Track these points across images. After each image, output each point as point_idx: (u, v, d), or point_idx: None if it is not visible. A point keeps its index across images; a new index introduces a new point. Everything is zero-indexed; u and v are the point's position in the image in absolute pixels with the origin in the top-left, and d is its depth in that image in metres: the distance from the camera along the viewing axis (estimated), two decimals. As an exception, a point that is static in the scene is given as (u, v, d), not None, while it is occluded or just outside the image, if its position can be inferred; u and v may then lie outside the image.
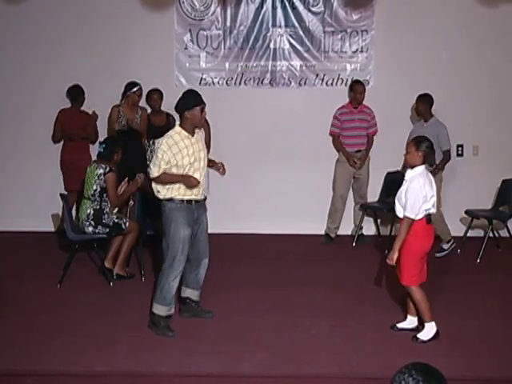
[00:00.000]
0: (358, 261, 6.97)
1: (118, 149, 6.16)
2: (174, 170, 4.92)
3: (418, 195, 4.72)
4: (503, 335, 5.03)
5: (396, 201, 4.90)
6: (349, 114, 7.53)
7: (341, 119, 7.55)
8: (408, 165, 4.91)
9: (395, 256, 4.78)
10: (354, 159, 7.52)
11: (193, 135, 4.95)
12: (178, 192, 4.94)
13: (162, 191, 4.96)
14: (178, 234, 4.90)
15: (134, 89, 7.18)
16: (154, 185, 5.02)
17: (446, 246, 7.05)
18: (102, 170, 6.02)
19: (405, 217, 4.76)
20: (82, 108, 7.58)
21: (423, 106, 7.06)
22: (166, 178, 4.92)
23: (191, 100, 4.92)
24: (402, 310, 5.27)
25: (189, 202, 4.96)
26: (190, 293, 5.23)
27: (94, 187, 6.04)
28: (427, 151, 4.83)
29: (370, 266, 6.71)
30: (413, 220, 4.74)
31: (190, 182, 4.90)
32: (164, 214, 4.99)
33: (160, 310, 5.01)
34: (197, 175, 4.95)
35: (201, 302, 5.31)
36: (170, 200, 4.95)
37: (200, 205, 5.08)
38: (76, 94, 7.48)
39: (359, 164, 7.50)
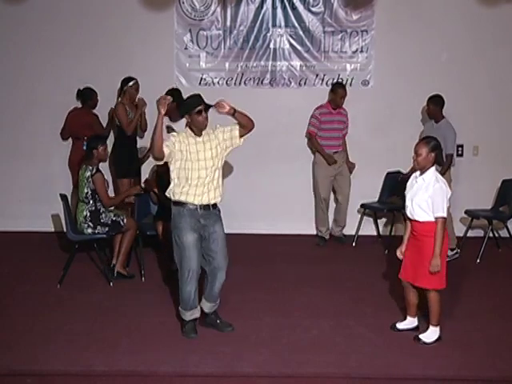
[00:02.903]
0: (357, 261, 6.97)
1: (96, 145, 6.06)
2: (178, 163, 4.85)
3: (446, 195, 4.70)
4: (503, 335, 5.03)
5: (414, 205, 4.77)
6: (329, 115, 7.47)
7: (320, 119, 7.48)
8: (420, 167, 4.79)
9: (439, 261, 4.70)
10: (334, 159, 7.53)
11: (199, 135, 4.92)
12: (185, 190, 4.86)
13: (171, 191, 4.93)
14: (181, 239, 4.87)
15: (131, 83, 7.09)
16: (169, 188, 4.98)
17: (449, 253, 6.95)
18: (89, 173, 6.02)
19: (439, 218, 4.67)
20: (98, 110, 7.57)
21: (434, 107, 6.98)
22: (156, 130, 4.71)
23: (187, 105, 4.93)
24: (402, 310, 5.27)
25: (193, 206, 4.89)
26: (203, 303, 5.14)
27: (85, 190, 6.04)
28: (438, 151, 4.79)
29: (369, 266, 6.73)
30: (445, 219, 4.70)
31: (159, 102, 4.70)
32: (171, 218, 4.99)
33: (183, 314, 5.02)
34: (202, 174, 4.88)
35: (220, 315, 5.20)
36: (176, 204, 4.91)
37: (209, 212, 4.96)
38: (85, 96, 7.43)
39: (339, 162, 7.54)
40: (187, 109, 4.90)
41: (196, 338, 4.94)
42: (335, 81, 7.71)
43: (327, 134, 7.47)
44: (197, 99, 4.92)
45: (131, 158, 7.24)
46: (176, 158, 4.86)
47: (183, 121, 5.23)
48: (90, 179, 6.02)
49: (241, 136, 5.05)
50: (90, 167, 6.05)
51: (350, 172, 7.65)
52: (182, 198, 4.89)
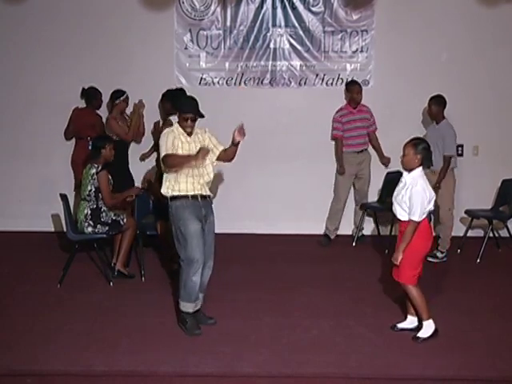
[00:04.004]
0: (357, 261, 6.98)
1: (103, 144, 6.14)
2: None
3: (423, 199, 4.72)
4: (503, 335, 5.03)
5: (396, 204, 4.87)
6: (349, 115, 7.50)
7: (342, 121, 7.50)
8: (405, 167, 4.85)
9: (400, 257, 4.77)
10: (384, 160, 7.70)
11: (189, 135, 5.02)
12: (184, 186, 4.96)
13: (169, 188, 4.99)
14: (187, 229, 4.92)
15: (122, 97, 7.07)
16: (163, 183, 5.05)
17: (439, 255, 6.94)
18: (94, 170, 6.05)
19: (411, 221, 4.74)
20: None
21: (436, 107, 6.90)
22: (174, 158, 4.88)
23: (181, 105, 5.04)
24: (402, 310, 5.27)
25: (194, 197, 4.98)
26: None
27: (89, 187, 6.06)
28: (425, 153, 4.82)
29: (369, 265, 6.72)
30: (418, 223, 4.73)
31: (194, 158, 4.81)
32: (171, 213, 5.02)
33: (187, 306, 5.04)
34: (196, 172, 4.99)
35: (204, 306, 5.25)
36: (175, 198, 4.97)
37: (207, 202, 5.08)
38: (89, 95, 7.43)
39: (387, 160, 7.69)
40: (178, 109, 5.04)
41: (199, 335, 4.95)
42: (335, 81, 7.72)
43: (352, 133, 7.48)
44: (190, 106, 5.00)
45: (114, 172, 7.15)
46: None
47: None
48: (94, 176, 6.03)
49: (217, 159, 5.17)
50: (96, 165, 6.07)
51: (386, 166, 7.68)
52: (183, 192, 4.97)
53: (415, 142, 4.86)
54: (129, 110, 7.24)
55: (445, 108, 6.96)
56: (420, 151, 4.79)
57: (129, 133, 7.04)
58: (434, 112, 6.96)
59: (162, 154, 4.94)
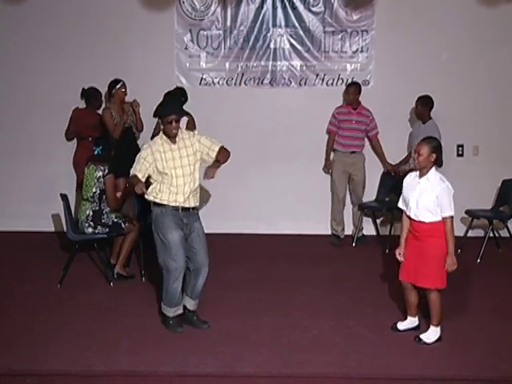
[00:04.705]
0: (357, 261, 6.98)
1: (112, 145, 6.25)
2: (155, 175, 4.96)
3: (452, 194, 4.73)
4: (503, 335, 5.03)
5: (421, 207, 4.76)
6: (347, 114, 7.51)
7: (338, 118, 7.53)
8: (420, 167, 4.79)
9: (455, 259, 4.73)
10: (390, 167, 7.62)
11: (173, 142, 4.97)
12: (166, 197, 4.95)
13: (152, 194, 5.00)
14: (166, 238, 4.92)
15: (118, 85, 6.98)
16: (150, 186, 5.05)
17: None
18: (100, 173, 6.03)
19: (448, 217, 4.70)
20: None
21: (421, 108, 6.99)
22: (131, 181, 4.94)
23: (161, 111, 4.98)
24: (402, 310, 5.27)
25: (175, 208, 4.97)
26: (187, 301, 5.18)
27: (94, 189, 6.05)
28: (439, 152, 4.80)
29: (369, 266, 6.73)
30: (453, 217, 4.73)
31: (134, 185, 4.82)
32: (152, 220, 5.04)
33: (168, 311, 5.08)
34: (180, 181, 4.93)
35: (203, 307, 5.25)
36: (156, 205, 4.98)
37: (189, 213, 5.03)
38: (89, 95, 7.40)
39: (392, 168, 7.60)
40: (159, 115, 4.97)
41: (182, 333, 4.99)
42: (336, 81, 7.74)
43: (345, 132, 7.50)
44: (171, 108, 4.97)
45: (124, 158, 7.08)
46: (154, 170, 4.96)
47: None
48: (101, 179, 6.02)
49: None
50: (102, 167, 6.06)
51: (392, 174, 7.57)
52: (164, 202, 4.96)
53: (429, 141, 4.84)
54: (130, 98, 7.15)
55: (431, 109, 6.98)
56: (435, 150, 4.77)
57: (116, 129, 6.84)
58: (419, 112, 7.02)
59: (134, 168, 4.96)
